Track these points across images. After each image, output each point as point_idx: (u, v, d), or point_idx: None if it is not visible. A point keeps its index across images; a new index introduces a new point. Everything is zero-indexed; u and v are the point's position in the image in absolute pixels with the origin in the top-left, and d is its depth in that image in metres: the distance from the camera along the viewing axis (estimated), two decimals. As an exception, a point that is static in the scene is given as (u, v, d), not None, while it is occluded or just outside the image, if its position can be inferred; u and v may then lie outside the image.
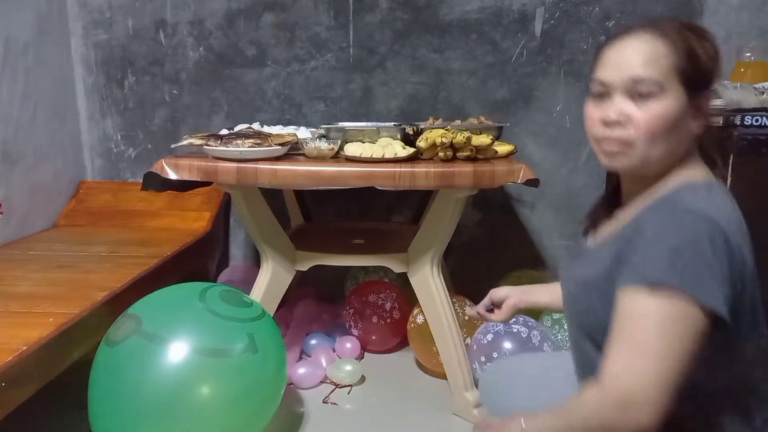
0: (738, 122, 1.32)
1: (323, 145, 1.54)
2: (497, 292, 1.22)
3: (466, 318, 1.81)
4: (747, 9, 2.09)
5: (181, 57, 2.31)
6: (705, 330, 0.74)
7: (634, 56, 0.81)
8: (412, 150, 1.52)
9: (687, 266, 0.73)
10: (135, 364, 1.24)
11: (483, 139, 1.51)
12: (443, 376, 1.72)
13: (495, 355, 1.61)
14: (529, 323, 1.65)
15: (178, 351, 1.24)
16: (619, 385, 0.74)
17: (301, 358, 1.97)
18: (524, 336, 1.61)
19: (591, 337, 0.89)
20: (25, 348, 1.17)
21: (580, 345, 0.93)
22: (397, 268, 1.71)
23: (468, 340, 1.76)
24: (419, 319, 1.83)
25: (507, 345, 1.61)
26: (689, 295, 0.73)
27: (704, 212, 0.75)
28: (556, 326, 1.81)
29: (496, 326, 1.65)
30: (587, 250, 0.98)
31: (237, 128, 1.72)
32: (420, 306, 1.79)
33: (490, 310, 1.23)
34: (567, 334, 1.77)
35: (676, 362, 0.73)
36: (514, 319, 1.65)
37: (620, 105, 0.82)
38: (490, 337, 1.64)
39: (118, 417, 1.24)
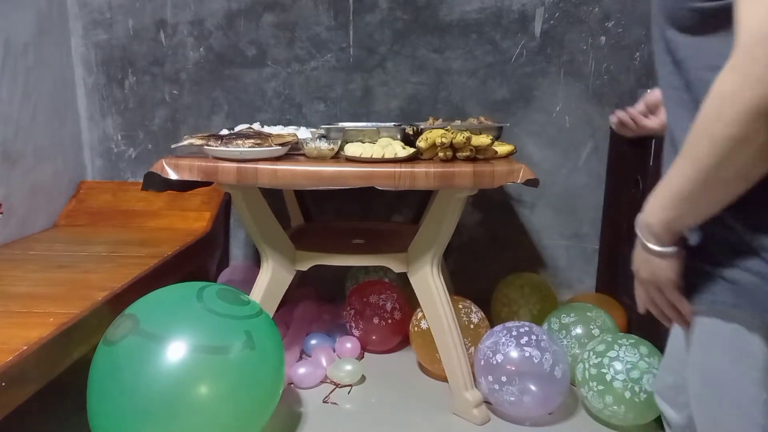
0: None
1: (323, 145, 1.54)
2: (655, 93, 0.98)
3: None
4: (747, 9, 2.09)
5: (181, 57, 2.31)
6: None
7: None
8: (412, 150, 1.52)
9: None
10: (133, 363, 1.24)
11: (483, 139, 1.51)
12: (443, 377, 1.72)
13: (504, 378, 1.55)
14: (542, 343, 1.57)
15: (176, 349, 1.24)
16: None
17: (301, 358, 1.97)
18: (536, 361, 1.53)
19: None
20: (25, 348, 1.17)
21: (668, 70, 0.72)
22: (397, 268, 1.71)
23: (472, 349, 1.74)
24: (423, 324, 1.81)
25: (516, 367, 1.54)
26: None
27: None
28: (563, 331, 1.80)
29: (507, 346, 1.57)
30: None
31: (237, 128, 1.72)
32: (420, 308, 1.80)
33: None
34: (572, 341, 1.78)
35: None
36: (525, 339, 1.56)
37: None
38: (499, 357, 1.57)
39: (117, 416, 1.24)
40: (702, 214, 0.65)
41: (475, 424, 1.63)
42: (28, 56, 2.03)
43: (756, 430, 0.70)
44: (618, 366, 1.52)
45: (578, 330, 1.78)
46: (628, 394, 1.49)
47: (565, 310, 1.85)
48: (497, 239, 2.37)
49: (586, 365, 1.58)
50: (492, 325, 1.79)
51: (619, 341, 1.57)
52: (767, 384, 0.68)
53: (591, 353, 1.60)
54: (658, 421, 1.58)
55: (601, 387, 1.53)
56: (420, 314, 1.84)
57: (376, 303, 1.99)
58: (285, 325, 2.10)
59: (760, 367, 0.67)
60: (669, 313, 0.74)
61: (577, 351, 1.75)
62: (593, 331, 1.77)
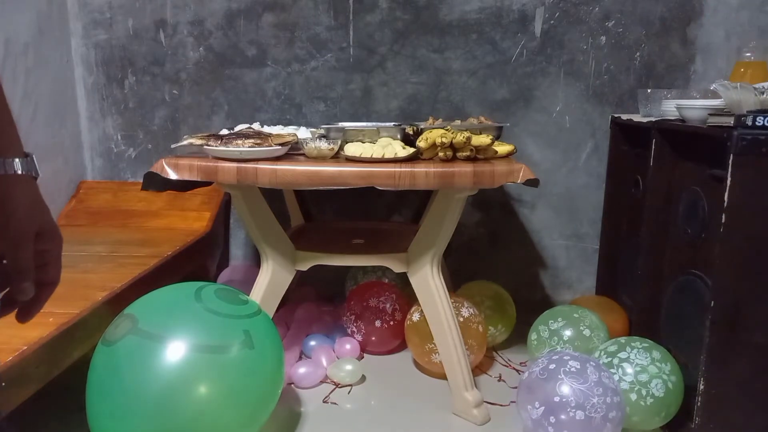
0: (750, 123, 1.30)
1: (323, 145, 1.54)
2: None
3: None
4: (747, 9, 2.10)
5: (181, 57, 2.31)
6: None
7: None
8: (412, 150, 1.52)
9: None
10: (132, 363, 1.24)
11: (483, 139, 1.51)
12: (443, 377, 1.72)
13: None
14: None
15: (174, 348, 1.24)
16: None
17: (300, 358, 1.97)
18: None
19: None
20: (25, 348, 1.17)
21: None
22: (397, 268, 1.71)
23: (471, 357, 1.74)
24: (415, 317, 1.83)
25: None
26: None
27: None
28: (555, 337, 1.79)
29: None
30: None
31: (237, 128, 1.72)
32: (417, 304, 1.80)
33: None
34: (566, 346, 1.76)
35: None
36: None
37: None
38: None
39: (117, 416, 1.23)
40: None
41: (475, 424, 1.63)
42: (28, 56, 2.03)
43: None
44: (627, 368, 1.51)
45: (568, 332, 1.78)
46: (634, 397, 1.49)
47: (552, 316, 1.85)
48: (497, 239, 2.37)
49: None
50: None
51: (633, 343, 1.56)
52: None
53: (602, 353, 1.59)
54: (665, 427, 1.58)
55: None
56: (414, 308, 1.85)
57: (377, 306, 1.99)
58: (285, 325, 2.10)
59: None
60: None
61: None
62: (584, 332, 1.77)
